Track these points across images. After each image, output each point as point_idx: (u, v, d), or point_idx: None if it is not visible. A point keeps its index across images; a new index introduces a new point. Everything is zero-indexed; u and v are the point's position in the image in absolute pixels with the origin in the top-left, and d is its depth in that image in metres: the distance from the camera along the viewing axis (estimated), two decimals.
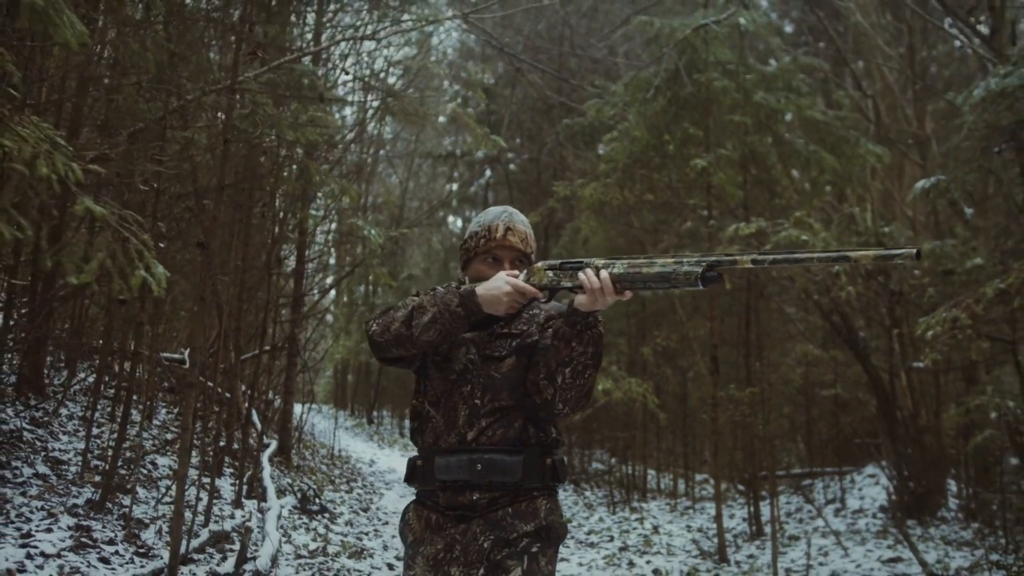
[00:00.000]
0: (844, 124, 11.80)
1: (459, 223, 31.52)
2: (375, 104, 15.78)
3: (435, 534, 3.14)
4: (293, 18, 12.86)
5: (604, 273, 2.84)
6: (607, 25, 21.10)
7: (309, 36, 13.90)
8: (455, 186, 31.77)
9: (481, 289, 3.06)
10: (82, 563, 6.90)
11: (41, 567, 6.50)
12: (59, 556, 6.85)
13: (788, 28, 19.38)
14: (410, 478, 3.28)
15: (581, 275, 2.89)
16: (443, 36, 25.11)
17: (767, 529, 12.38)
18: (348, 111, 20.18)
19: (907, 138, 13.75)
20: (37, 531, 7.21)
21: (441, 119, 29.28)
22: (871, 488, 14.70)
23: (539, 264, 3.11)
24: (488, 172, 28.60)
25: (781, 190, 11.60)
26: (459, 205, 31.56)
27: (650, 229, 14.77)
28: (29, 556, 6.62)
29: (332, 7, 14.61)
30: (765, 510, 13.46)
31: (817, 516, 13.44)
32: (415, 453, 3.31)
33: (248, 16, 9.17)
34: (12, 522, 7.24)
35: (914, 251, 2.37)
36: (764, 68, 11.34)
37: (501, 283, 3.04)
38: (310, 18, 13.99)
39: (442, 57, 24.11)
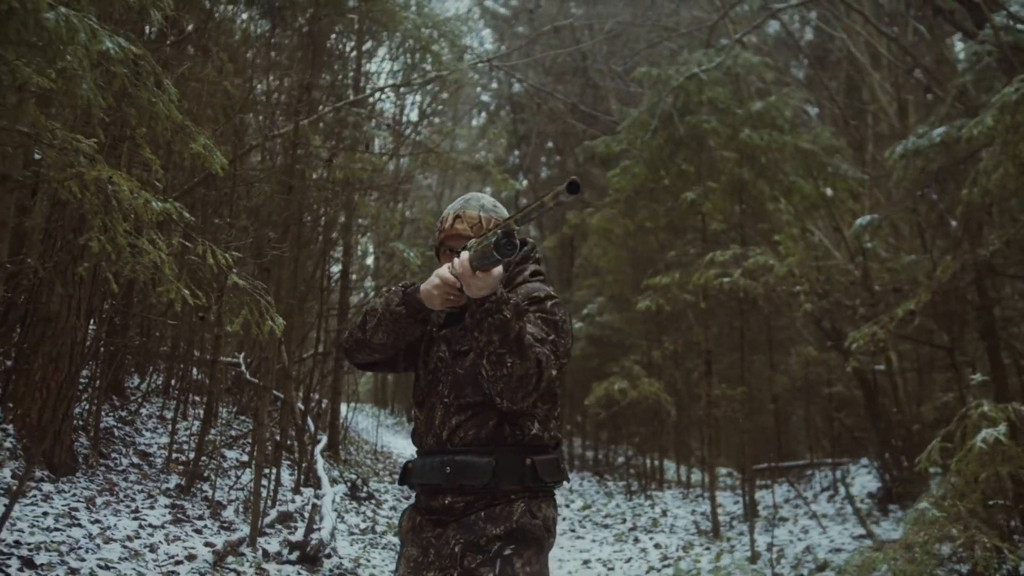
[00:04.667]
0: (826, 152, 13.29)
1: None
2: (408, 154, 17.34)
3: (416, 536, 3.09)
4: (336, 67, 14.60)
5: (464, 255, 2.71)
6: (627, 47, 22.43)
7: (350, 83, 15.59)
8: (489, 190, 33.13)
9: (424, 284, 2.98)
10: (181, 533, 8.66)
11: (151, 535, 8.26)
12: (163, 527, 8.62)
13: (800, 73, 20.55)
14: (401, 479, 3.22)
15: (455, 259, 2.79)
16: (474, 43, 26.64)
17: (762, 512, 13.96)
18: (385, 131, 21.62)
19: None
20: (143, 508, 8.98)
21: (474, 123, 30.82)
22: (863, 477, 16.18)
23: (471, 243, 2.79)
24: (521, 180, 29.85)
25: (767, 216, 13.16)
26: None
27: (656, 248, 16.37)
28: (141, 527, 8.38)
29: (372, 63, 16.27)
30: (768, 497, 15.05)
31: (811, 501, 14.96)
32: None
33: (305, 76, 10.89)
34: (121, 501, 8.99)
35: (565, 187, 2.31)
36: (751, 105, 12.86)
37: (433, 276, 2.93)
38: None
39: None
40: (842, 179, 12.83)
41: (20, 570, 6.49)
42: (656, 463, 20.37)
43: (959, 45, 15.08)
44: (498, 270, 2.67)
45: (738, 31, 15.63)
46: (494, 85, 28.12)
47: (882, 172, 10.28)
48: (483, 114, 30.83)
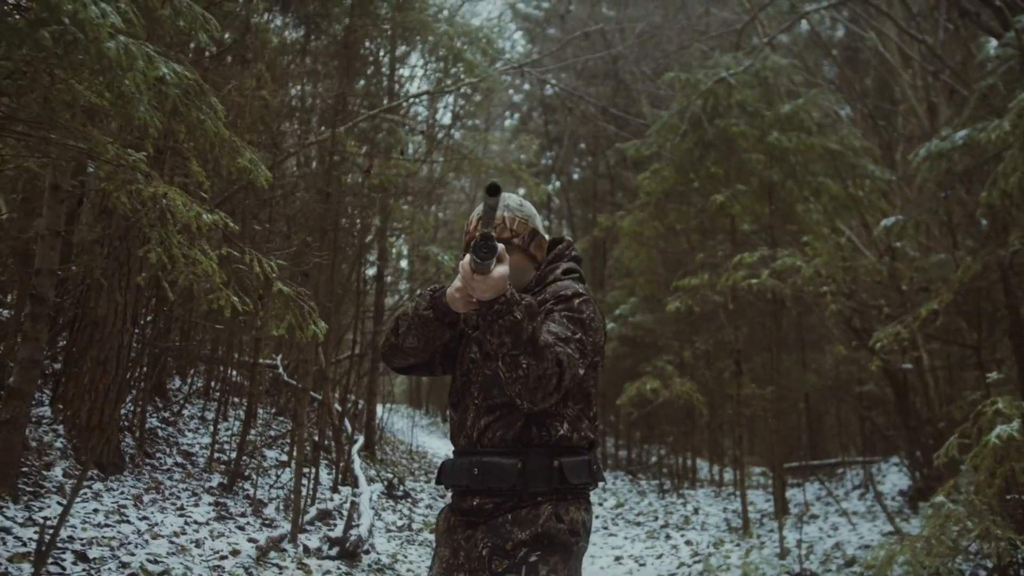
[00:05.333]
0: (855, 152, 13.43)
1: None
2: (441, 160, 17.62)
3: (449, 537, 3.07)
4: (370, 72, 14.89)
5: (466, 258, 2.68)
6: (658, 49, 22.59)
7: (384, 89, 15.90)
8: (523, 191, 33.29)
9: (449, 287, 2.97)
10: (225, 529, 8.96)
11: (197, 531, 8.56)
12: (207, 524, 8.92)
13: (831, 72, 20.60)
14: (437, 478, 3.20)
15: (461, 264, 2.76)
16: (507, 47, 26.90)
17: (793, 510, 14.12)
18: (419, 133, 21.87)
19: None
20: (187, 506, 9.29)
21: (507, 123, 31.02)
22: (894, 475, 16.30)
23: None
24: (553, 181, 29.96)
25: (796, 217, 13.32)
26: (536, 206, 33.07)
27: (687, 249, 16.55)
28: (186, 523, 8.68)
29: (404, 67, 16.56)
30: (800, 495, 15.21)
31: (842, 499, 15.09)
32: None
33: (341, 85, 11.17)
34: (167, 499, 9.29)
35: (485, 190, 2.35)
36: (780, 108, 13.03)
37: (457, 279, 2.91)
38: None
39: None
40: (870, 179, 12.98)
41: (74, 563, 6.79)
42: (689, 462, 20.56)
43: (994, 42, 15.15)
44: (500, 271, 2.65)
45: (768, 32, 15.81)
46: (526, 87, 28.32)
47: (912, 172, 10.37)
48: (516, 115, 31.03)
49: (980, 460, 5.55)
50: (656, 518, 14.61)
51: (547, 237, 3.26)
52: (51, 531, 5.88)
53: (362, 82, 15.33)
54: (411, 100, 16.05)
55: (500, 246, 2.65)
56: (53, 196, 7.78)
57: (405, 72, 18.05)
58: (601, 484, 18.75)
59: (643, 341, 20.52)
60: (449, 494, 3.20)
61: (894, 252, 12.37)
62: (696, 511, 15.12)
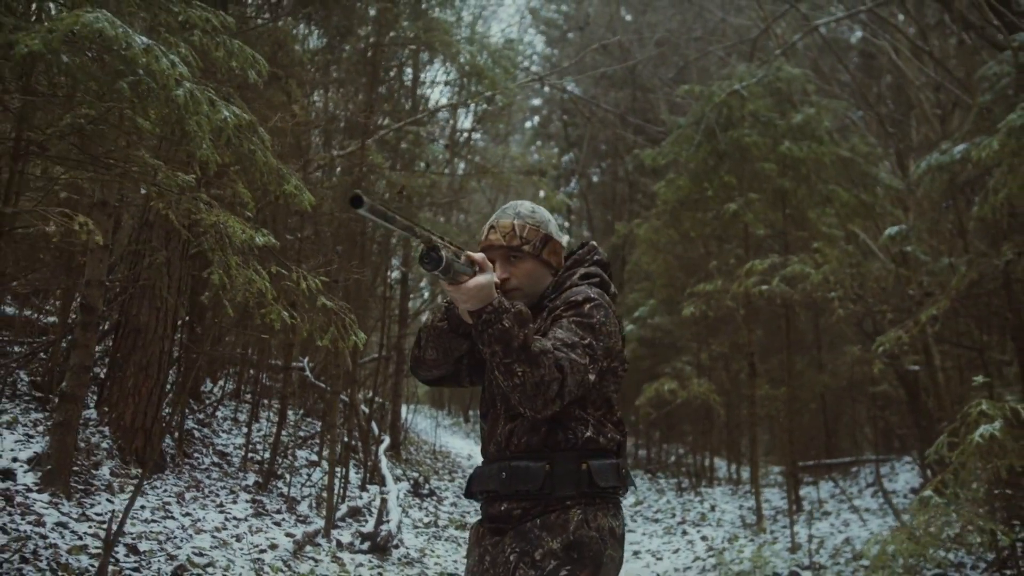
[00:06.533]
0: (867, 160, 13.84)
1: None
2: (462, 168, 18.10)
3: (476, 546, 3.06)
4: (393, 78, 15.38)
5: None
6: (676, 54, 22.96)
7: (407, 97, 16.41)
8: (543, 192, 33.58)
9: None
10: (262, 525, 9.48)
11: (236, 527, 9.09)
12: (246, 520, 9.45)
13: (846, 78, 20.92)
14: (466, 491, 3.23)
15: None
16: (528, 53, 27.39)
17: (806, 506, 14.54)
18: (441, 142, 22.33)
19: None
20: (226, 503, 9.82)
21: (528, 124, 31.40)
22: (907, 473, 16.68)
23: None
24: (573, 184, 30.23)
25: (808, 223, 13.76)
26: (553, 211, 33.41)
27: (703, 254, 16.98)
28: (226, 519, 9.21)
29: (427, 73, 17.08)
30: (814, 493, 15.63)
31: (855, 497, 15.49)
32: None
33: (371, 101, 11.67)
34: (207, 496, 9.82)
35: (350, 198, 2.31)
36: (792, 117, 13.46)
37: None
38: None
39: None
40: (881, 187, 13.39)
41: (127, 556, 7.31)
42: (707, 461, 20.99)
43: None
44: (479, 281, 2.66)
45: (783, 39, 16.21)
46: (546, 90, 28.73)
47: (915, 182, 10.76)
48: (536, 119, 31.39)
49: (965, 457, 5.99)
50: (673, 515, 15.09)
51: (563, 241, 3.22)
52: (116, 524, 6.38)
53: (383, 90, 15.79)
54: (436, 111, 16.54)
55: (479, 256, 2.71)
56: (101, 211, 8.31)
57: (427, 78, 18.51)
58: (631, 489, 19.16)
59: (661, 342, 20.92)
60: (478, 507, 3.18)
61: (905, 257, 12.78)
62: (712, 508, 15.57)
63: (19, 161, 4.68)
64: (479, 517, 3.15)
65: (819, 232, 13.72)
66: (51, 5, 4.89)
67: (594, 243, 3.33)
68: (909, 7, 14.09)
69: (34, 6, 4.71)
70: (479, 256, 2.71)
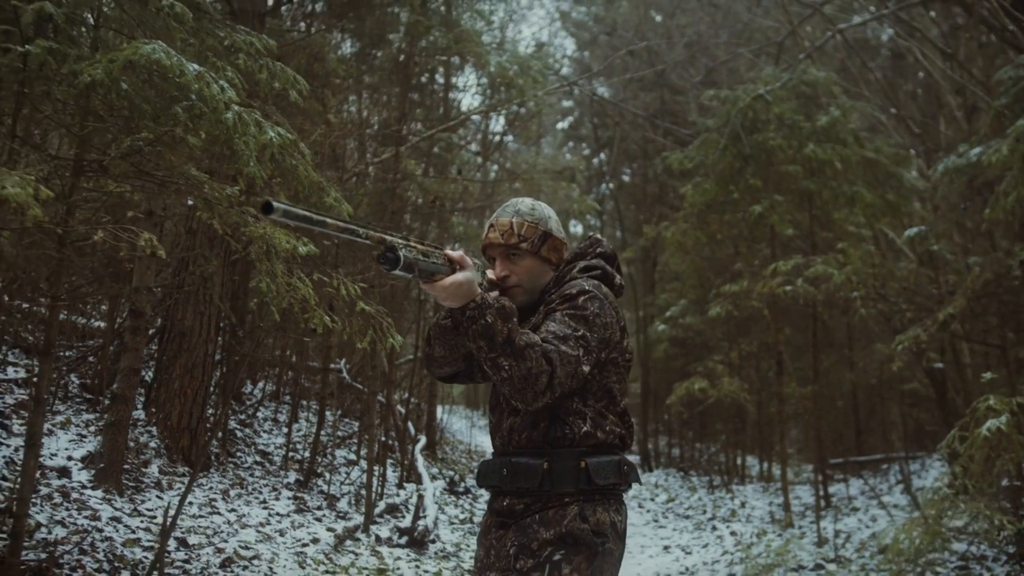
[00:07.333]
0: (891, 161, 14.04)
1: (579, 230, 32.92)
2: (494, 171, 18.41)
3: (484, 537, 3.11)
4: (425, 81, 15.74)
5: None
6: (705, 54, 23.13)
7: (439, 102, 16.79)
8: (576, 193, 33.68)
9: None
10: (304, 520, 9.86)
11: (279, 522, 9.47)
12: (288, 515, 9.84)
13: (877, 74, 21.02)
14: (476, 479, 3.23)
15: None
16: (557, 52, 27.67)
17: (835, 503, 14.78)
18: (473, 146, 22.62)
19: None
20: (269, 499, 10.21)
21: (560, 125, 31.64)
22: (937, 470, 16.86)
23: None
24: (605, 185, 30.35)
25: (833, 224, 14.02)
26: (582, 214, 33.53)
27: (732, 254, 17.23)
28: (270, 515, 9.60)
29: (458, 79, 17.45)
30: (844, 490, 15.87)
31: (884, 493, 15.69)
32: None
33: (404, 110, 12.03)
34: (251, 493, 10.22)
35: (262, 206, 2.32)
36: (817, 120, 13.69)
37: None
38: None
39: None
40: (906, 187, 13.61)
41: (177, 549, 7.70)
42: (740, 460, 21.22)
43: None
44: (456, 279, 2.70)
45: (809, 42, 16.45)
46: (576, 91, 28.92)
47: (934, 184, 10.96)
48: (568, 120, 31.62)
49: (973, 450, 6.24)
50: (704, 511, 15.38)
51: (561, 237, 3.24)
52: (169, 519, 6.76)
53: (416, 96, 16.14)
54: (466, 117, 16.89)
55: (457, 254, 2.77)
56: (148, 220, 8.71)
57: (459, 83, 18.86)
58: (653, 481, 19.66)
59: (693, 342, 21.17)
60: (488, 495, 3.23)
61: (932, 256, 12.98)
62: (743, 505, 15.82)
63: (80, 178, 5.06)
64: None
65: (845, 232, 13.96)
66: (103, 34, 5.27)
67: (598, 236, 3.37)
68: (933, 9, 14.30)
69: (90, 35, 5.08)
70: (456, 254, 2.77)
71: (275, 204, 2.27)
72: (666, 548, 12.46)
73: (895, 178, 13.78)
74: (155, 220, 9.00)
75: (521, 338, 2.71)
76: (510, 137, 22.28)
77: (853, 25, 15.39)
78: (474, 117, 18.61)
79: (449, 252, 2.77)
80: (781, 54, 17.10)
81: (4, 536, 6.23)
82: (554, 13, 28.96)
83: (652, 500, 17.19)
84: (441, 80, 17.67)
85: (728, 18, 22.25)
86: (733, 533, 13.06)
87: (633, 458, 23.94)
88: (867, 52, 20.29)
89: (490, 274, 3.14)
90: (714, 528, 13.67)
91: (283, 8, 12.89)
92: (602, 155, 29.73)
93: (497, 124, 21.72)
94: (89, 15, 5.11)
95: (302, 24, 14.44)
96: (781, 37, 17.37)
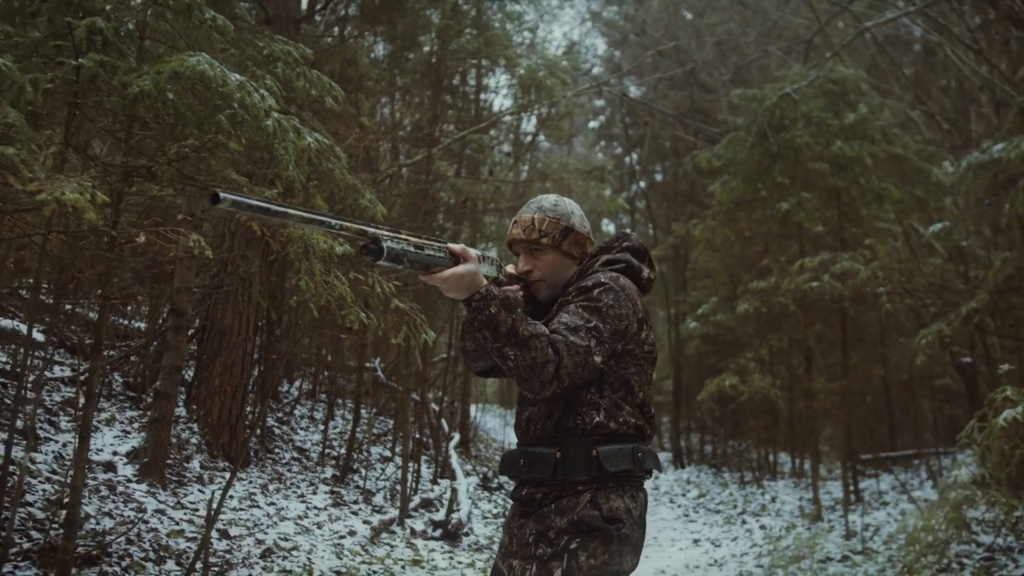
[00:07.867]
0: (920, 156, 14.12)
1: (612, 228, 32.99)
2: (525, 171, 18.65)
3: (507, 525, 3.16)
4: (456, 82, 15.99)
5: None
6: (736, 52, 23.22)
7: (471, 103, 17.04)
8: (608, 191, 33.74)
9: None
10: (341, 514, 10.12)
11: (317, 515, 9.74)
12: (325, 509, 10.10)
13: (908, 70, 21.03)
14: (499, 469, 3.29)
15: None
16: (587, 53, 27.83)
17: (866, 497, 14.88)
18: (505, 146, 22.81)
19: None
20: (307, 494, 10.48)
21: (592, 124, 31.78)
22: (970, 465, 16.89)
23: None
24: (636, 183, 30.44)
25: (861, 220, 14.13)
26: (613, 213, 33.63)
27: (761, 252, 17.34)
28: (308, 509, 9.87)
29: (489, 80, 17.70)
30: (875, 484, 15.95)
31: (915, 488, 15.76)
32: None
33: (436, 112, 12.27)
34: (289, 488, 10.49)
35: (210, 196, 2.31)
36: (845, 117, 13.80)
37: None
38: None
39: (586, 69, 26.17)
40: (934, 183, 13.70)
41: (219, 540, 7.98)
42: (772, 456, 21.31)
43: None
44: (458, 271, 2.79)
45: (838, 39, 16.53)
46: (606, 91, 29.01)
47: (958, 180, 11.06)
48: (601, 118, 31.73)
49: (991, 440, 6.39)
50: (735, 506, 15.53)
51: (585, 232, 3.29)
52: (213, 511, 7.03)
53: (448, 98, 16.38)
54: (497, 119, 17.12)
55: (459, 247, 2.86)
56: (188, 223, 9.00)
57: (490, 83, 19.08)
58: (684, 477, 19.81)
59: (724, 339, 21.27)
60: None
61: (961, 251, 13.06)
62: (773, 499, 15.95)
63: (127, 184, 5.32)
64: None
65: (874, 228, 14.07)
66: (147, 44, 5.54)
67: (627, 231, 3.43)
68: (959, 5, 14.36)
69: (136, 48, 5.33)
70: (458, 247, 2.86)
71: (222, 195, 2.28)
72: (696, 541, 12.65)
73: (923, 174, 13.86)
74: (195, 222, 9.28)
75: (526, 328, 2.79)
76: (541, 137, 22.49)
77: (881, 23, 15.46)
78: (506, 118, 18.84)
79: (451, 245, 2.86)
80: (810, 52, 17.19)
81: (57, 526, 6.52)
82: (584, 13, 29.13)
83: (683, 496, 17.38)
84: (473, 82, 17.89)
85: (757, 16, 22.32)
86: (762, 527, 13.22)
87: (664, 455, 24.20)
88: (899, 48, 20.28)
89: (510, 268, 3.24)
90: (744, 522, 13.83)
91: (316, 14, 13.16)
92: (634, 154, 29.85)
93: (529, 124, 21.95)
94: (135, 28, 5.36)
95: (335, 29, 14.73)
96: (810, 35, 17.47)
